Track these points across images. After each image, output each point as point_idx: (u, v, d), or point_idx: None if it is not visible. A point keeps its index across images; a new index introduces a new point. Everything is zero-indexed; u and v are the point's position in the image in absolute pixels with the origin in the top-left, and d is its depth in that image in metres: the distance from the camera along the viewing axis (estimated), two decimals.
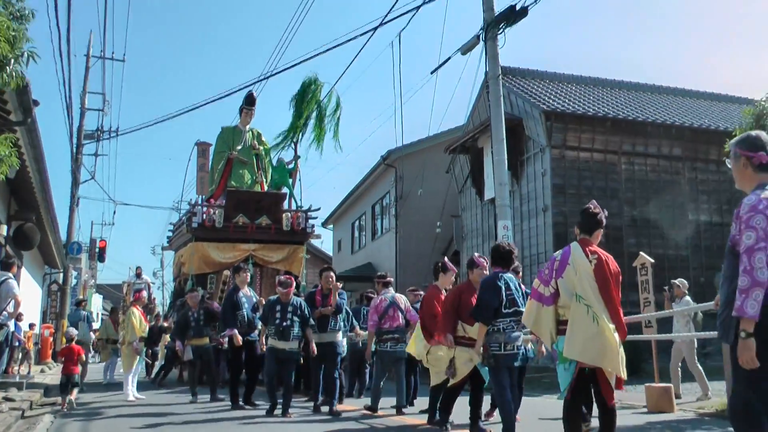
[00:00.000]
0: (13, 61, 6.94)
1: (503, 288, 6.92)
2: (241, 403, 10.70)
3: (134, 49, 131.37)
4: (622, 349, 5.38)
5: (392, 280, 10.79)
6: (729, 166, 4.13)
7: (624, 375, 5.39)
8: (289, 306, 9.77)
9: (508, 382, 6.92)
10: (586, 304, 5.30)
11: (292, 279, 10.15)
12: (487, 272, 7.63)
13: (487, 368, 7.37)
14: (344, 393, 11.75)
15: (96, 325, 24.05)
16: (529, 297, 5.92)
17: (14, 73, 7.09)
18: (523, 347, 7.13)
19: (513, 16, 13.21)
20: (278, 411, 9.55)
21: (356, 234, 34.53)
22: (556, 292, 5.48)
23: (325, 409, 9.85)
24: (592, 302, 5.30)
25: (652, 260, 11.83)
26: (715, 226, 19.23)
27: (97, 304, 48.31)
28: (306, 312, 9.85)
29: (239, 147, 17.38)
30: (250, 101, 17.98)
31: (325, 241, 44.23)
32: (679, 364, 11.24)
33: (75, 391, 11.19)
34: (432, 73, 15.51)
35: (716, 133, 18.92)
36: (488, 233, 21.01)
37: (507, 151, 13.73)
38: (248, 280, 11.69)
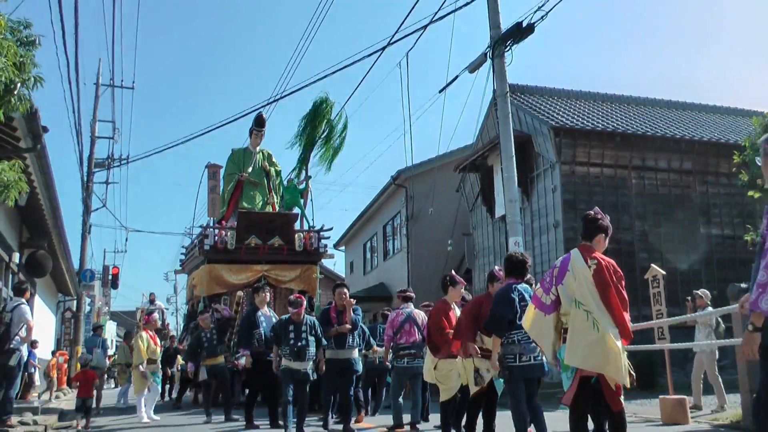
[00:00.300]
0: (19, 85, 7.00)
1: (517, 299, 6.80)
2: (254, 424, 10.58)
3: (143, 76, 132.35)
4: (625, 356, 5.29)
5: (413, 295, 10.60)
6: (758, 164, 4.13)
7: (626, 382, 5.27)
8: (302, 326, 9.47)
9: (523, 396, 6.80)
10: (586, 310, 5.20)
11: (303, 298, 9.90)
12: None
13: (502, 380, 7.30)
14: (363, 409, 11.58)
15: (111, 351, 24.12)
16: (531, 305, 5.80)
17: (21, 96, 7.16)
18: (542, 358, 6.90)
19: (520, 33, 13.26)
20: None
21: (368, 255, 34.55)
22: (557, 300, 5.41)
23: (339, 427, 9.77)
24: (592, 308, 5.20)
25: (664, 272, 11.77)
26: (727, 239, 19.13)
27: (111, 331, 48.41)
28: (319, 331, 9.61)
29: (250, 169, 17.44)
30: (259, 123, 17.97)
31: (337, 263, 44.08)
32: (702, 375, 11.17)
33: (89, 416, 11.33)
34: (440, 92, 15.57)
35: (726, 146, 18.85)
36: (500, 251, 20.97)
37: (516, 167, 13.77)
38: (267, 299, 11.71)
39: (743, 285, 9.70)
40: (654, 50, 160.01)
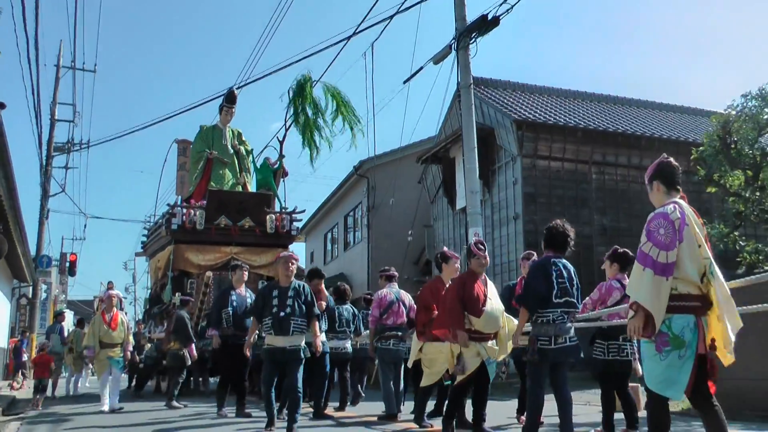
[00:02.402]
0: None
1: (555, 275, 6.12)
2: (223, 411, 9.85)
3: (105, 59, 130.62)
4: None
5: (396, 274, 9.92)
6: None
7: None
8: (289, 290, 7.74)
9: (544, 381, 6.16)
10: (713, 272, 4.28)
11: (295, 255, 8.38)
12: (486, 261, 7.15)
13: (494, 364, 7.00)
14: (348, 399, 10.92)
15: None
16: (638, 267, 4.41)
17: None
18: (576, 339, 6.20)
19: (485, 25, 13.28)
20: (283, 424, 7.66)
21: (329, 246, 34.49)
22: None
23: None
24: (716, 270, 4.30)
25: None
26: None
27: (68, 319, 47.62)
28: (311, 297, 7.94)
29: (222, 145, 16.78)
30: (230, 99, 17.13)
31: (298, 253, 43.98)
32: None
33: (44, 394, 11.32)
34: (404, 83, 15.55)
35: (685, 144, 19.21)
36: (460, 243, 21.05)
37: (478, 160, 13.80)
38: (245, 278, 10.70)
39: None
40: (617, 49, 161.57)
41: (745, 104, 15.08)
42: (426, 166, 23.67)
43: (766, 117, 14.74)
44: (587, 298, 7.26)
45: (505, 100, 21.07)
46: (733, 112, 15.23)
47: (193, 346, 12.21)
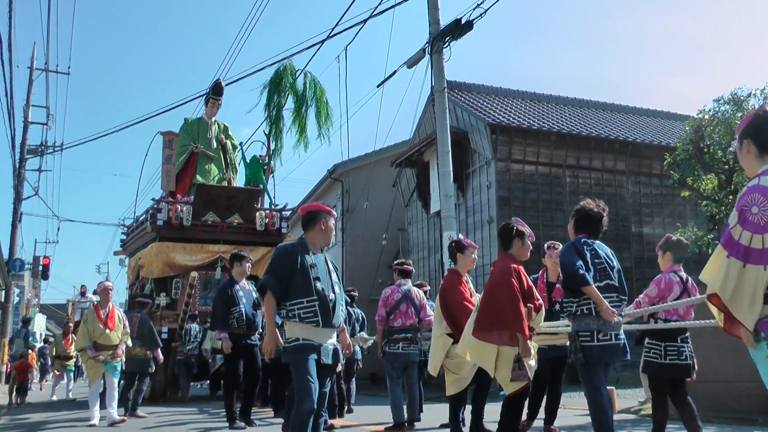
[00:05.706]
0: None
1: (589, 255, 5.36)
2: (239, 423, 8.84)
3: (79, 62, 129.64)
4: None
5: (413, 270, 9.08)
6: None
7: None
8: (328, 263, 5.68)
9: (604, 383, 5.26)
10: None
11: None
12: (530, 240, 6.29)
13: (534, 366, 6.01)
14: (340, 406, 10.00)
15: (38, 345, 23.46)
16: (721, 252, 3.40)
17: None
18: (623, 337, 5.34)
19: (458, 29, 13.28)
20: None
21: None
22: None
23: None
24: None
25: None
26: (658, 237, 19.44)
27: (40, 324, 47.04)
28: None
29: (206, 140, 16.18)
30: (217, 91, 16.32)
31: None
32: None
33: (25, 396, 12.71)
34: (378, 86, 15.54)
35: (658, 148, 19.38)
36: (434, 246, 21.04)
37: (452, 163, 13.78)
38: (248, 272, 9.57)
39: None
40: (591, 53, 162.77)
41: (717, 109, 15.19)
42: (400, 169, 23.64)
43: (738, 121, 14.83)
44: (642, 294, 6.50)
45: (479, 104, 21.08)
46: (706, 117, 15.33)
47: (159, 350, 11.61)
